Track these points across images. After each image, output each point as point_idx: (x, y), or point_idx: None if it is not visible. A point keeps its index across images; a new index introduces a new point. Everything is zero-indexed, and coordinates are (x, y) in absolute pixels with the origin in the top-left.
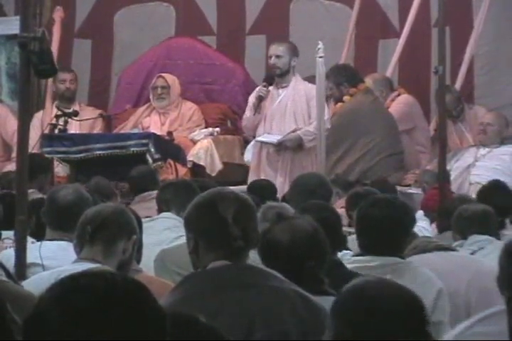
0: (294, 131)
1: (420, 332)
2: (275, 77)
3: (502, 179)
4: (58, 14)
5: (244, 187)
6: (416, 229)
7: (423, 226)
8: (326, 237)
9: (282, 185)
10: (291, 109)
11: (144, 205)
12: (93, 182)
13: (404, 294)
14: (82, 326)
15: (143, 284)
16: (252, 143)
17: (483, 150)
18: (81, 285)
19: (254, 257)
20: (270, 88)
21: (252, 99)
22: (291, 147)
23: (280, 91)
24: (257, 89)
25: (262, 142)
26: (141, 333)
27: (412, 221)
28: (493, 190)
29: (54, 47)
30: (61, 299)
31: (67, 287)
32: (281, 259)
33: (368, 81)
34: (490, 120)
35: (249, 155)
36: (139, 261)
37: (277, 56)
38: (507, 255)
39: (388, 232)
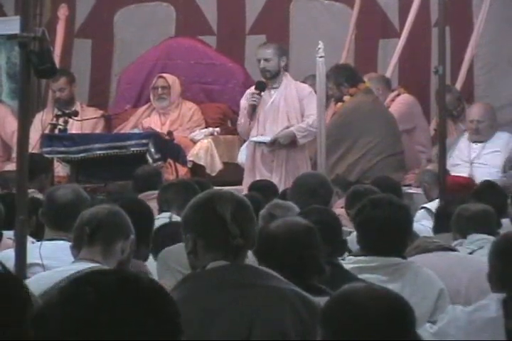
0: (286, 128)
1: (407, 336)
2: (267, 80)
3: (501, 178)
4: (63, 12)
5: (241, 188)
6: (423, 229)
7: (430, 227)
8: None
9: (278, 185)
10: (284, 109)
11: None
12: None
13: (391, 300)
14: (92, 324)
15: (154, 280)
16: (246, 144)
17: (475, 146)
18: (92, 281)
19: (253, 257)
20: (262, 93)
21: (243, 103)
22: (285, 143)
23: (272, 92)
24: (248, 92)
25: (255, 142)
26: (153, 332)
27: (412, 220)
28: (486, 190)
29: (57, 46)
30: (69, 295)
31: (76, 284)
32: (279, 252)
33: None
34: (479, 117)
35: (242, 157)
36: (146, 257)
37: (266, 59)
38: (496, 254)
39: (392, 233)
